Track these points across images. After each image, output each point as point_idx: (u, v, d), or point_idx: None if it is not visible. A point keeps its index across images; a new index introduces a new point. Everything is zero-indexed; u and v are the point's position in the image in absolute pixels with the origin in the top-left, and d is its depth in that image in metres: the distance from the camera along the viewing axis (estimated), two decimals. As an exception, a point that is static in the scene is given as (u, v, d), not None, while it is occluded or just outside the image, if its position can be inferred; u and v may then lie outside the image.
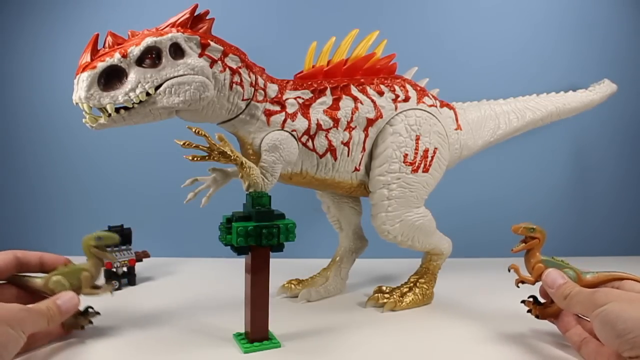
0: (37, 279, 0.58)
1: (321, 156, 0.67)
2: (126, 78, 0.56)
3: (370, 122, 0.69)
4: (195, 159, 0.57)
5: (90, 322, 0.60)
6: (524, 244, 0.61)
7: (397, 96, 0.70)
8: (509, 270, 0.62)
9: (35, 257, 0.59)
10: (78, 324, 0.59)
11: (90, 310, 0.61)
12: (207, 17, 0.60)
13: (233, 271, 0.81)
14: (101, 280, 0.62)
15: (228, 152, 0.58)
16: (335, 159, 0.68)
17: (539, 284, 0.60)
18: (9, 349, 0.46)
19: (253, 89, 0.63)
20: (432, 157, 0.72)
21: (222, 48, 0.60)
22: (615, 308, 0.48)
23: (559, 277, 0.56)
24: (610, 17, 1.07)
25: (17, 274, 0.58)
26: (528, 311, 0.62)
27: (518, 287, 0.62)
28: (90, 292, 0.58)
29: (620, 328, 0.46)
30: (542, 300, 0.62)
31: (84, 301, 0.59)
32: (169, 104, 0.57)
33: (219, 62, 0.60)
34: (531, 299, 0.63)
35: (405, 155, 0.69)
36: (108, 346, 0.57)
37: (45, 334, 0.56)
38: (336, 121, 0.67)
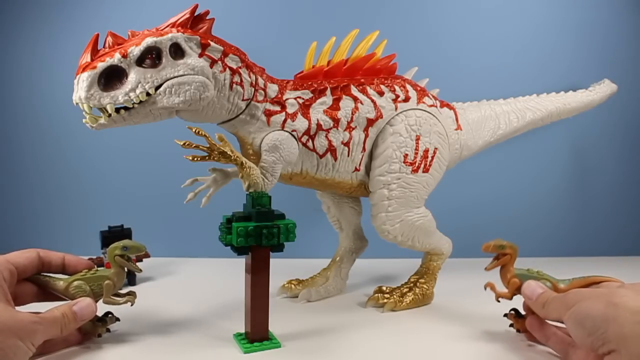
0: (59, 282, 0.57)
1: (321, 156, 0.67)
2: (126, 78, 0.56)
3: (370, 122, 0.69)
4: (195, 159, 0.57)
5: (108, 330, 0.60)
6: (496, 261, 0.61)
7: (397, 96, 0.70)
8: (485, 289, 0.63)
9: (58, 257, 0.58)
10: (95, 332, 0.58)
11: (109, 315, 0.60)
12: (207, 17, 0.60)
13: (233, 271, 0.81)
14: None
15: (228, 152, 0.58)
16: (336, 159, 0.68)
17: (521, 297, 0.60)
18: None
19: (253, 89, 0.63)
20: (432, 157, 0.72)
21: (222, 48, 0.60)
22: (583, 306, 0.47)
23: (537, 287, 0.56)
24: (610, 17, 1.08)
25: (39, 274, 0.57)
26: (510, 325, 0.62)
27: (498, 301, 0.62)
28: (111, 300, 0.58)
29: (589, 326, 0.45)
30: (523, 313, 0.61)
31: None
32: (169, 104, 0.57)
33: (219, 62, 0.60)
34: (513, 312, 0.62)
35: (406, 156, 0.69)
36: (107, 346, 0.57)
37: (62, 340, 0.55)
38: (336, 121, 0.67)
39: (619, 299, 0.45)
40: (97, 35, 0.56)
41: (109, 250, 0.59)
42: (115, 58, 0.55)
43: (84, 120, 0.57)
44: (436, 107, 0.74)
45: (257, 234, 0.55)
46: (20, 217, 1.04)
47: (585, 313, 0.46)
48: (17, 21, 0.99)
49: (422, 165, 0.71)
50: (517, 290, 0.59)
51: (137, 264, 0.84)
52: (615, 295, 0.45)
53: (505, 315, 0.63)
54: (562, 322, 0.51)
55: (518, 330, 0.62)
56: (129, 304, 0.59)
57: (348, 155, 0.68)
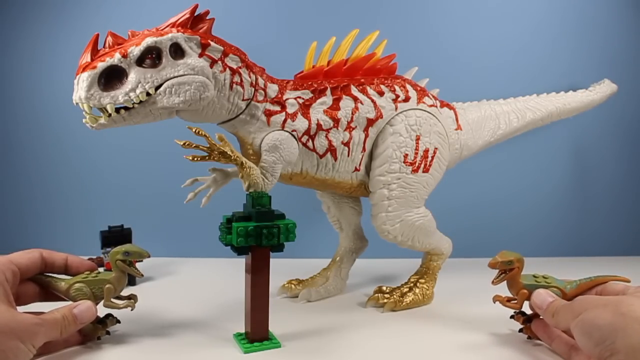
0: (61, 282, 0.57)
1: (321, 156, 0.67)
2: (126, 78, 0.56)
3: (370, 122, 0.69)
4: (195, 159, 0.57)
5: (108, 333, 0.60)
6: (503, 275, 0.60)
7: (397, 96, 0.70)
8: (494, 302, 0.62)
9: (60, 258, 0.58)
10: (95, 334, 0.58)
11: (110, 317, 0.60)
12: (207, 17, 0.60)
13: (233, 271, 0.81)
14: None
15: (228, 152, 0.58)
16: (336, 159, 0.68)
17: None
18: None
19: (253, 89, 0.63)
20: (432, 157, 0.72)
21: (222, 48, 0.60)
22: (590, 316, 0.46)
23: (547, 297, 0.55)
24: (610, 17, 1.07)
25: (42, 274, 0.57)
26: (520, 330, 0.62)
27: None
28: (111, 304, 0.58)
29: (597, 336, 0.45)
30: (529, 314, 0.61)
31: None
32: (169, 104, 0.57)
33: (219, 62, 0.60)
34: (521, 315, 0.62)
35: (406, 156, 0.69)
36: (108, 346, 0.57)
37: (62, 341, 0.55)
38: (336, 121, 0.67)
39: (627, 308, 0.44)
40: (97, 35, 0.56)
41: (111, 254, 0.58)
42: (115, 58, 0.55)
43: (84, 120, 0.57)
44: (436, 107, 0.74)
45: (257, 234, 0.55)
46: (21, 217, 1.04)
47: (592, 323, 0.46)
48: (17, 21, 0.99)
49: (422, 165, 0.71)
50: (527, 300, 0.59)
51: (137, 264, 0.84)
52: (623, 305, 0.45)
53: (512, 317, 0.63)
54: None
55: (529, 337, 0.61)
56: (129, 308, 0.59)
57: (348, 155, 0.68)
